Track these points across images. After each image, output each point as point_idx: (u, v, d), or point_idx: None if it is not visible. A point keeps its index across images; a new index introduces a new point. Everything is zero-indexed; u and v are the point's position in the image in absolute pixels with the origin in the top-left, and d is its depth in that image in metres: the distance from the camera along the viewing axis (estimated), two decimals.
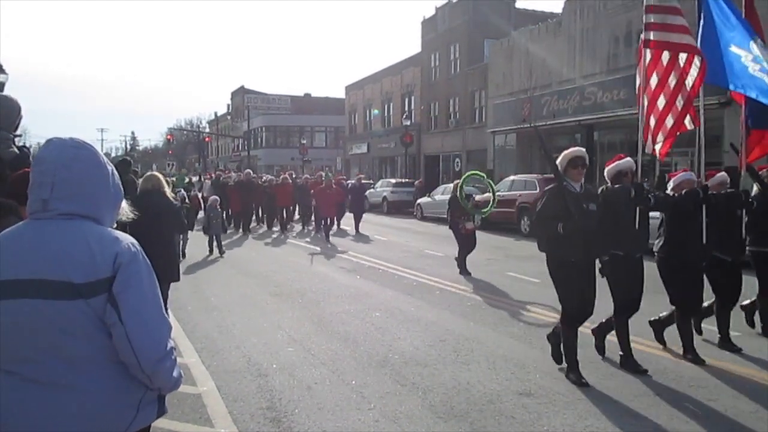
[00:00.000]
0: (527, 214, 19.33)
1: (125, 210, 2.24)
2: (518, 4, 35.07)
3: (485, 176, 13.77)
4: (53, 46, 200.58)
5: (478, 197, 12.46)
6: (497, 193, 12.90)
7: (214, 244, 14.54)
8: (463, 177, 12.30)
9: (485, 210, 12.31)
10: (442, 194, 25.57)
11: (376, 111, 46.72)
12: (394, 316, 8.35)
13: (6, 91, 19.95)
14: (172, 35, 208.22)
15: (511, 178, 21.76)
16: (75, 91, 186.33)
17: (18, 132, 3.96)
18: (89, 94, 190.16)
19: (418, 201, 27.08)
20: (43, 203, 1.98)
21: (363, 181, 24.95)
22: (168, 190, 6.61)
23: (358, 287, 10.60)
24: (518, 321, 8.06)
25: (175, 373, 2.08)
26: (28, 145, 4.23)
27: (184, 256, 13.28)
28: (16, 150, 3.81)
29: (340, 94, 55.18)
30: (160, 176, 6.76)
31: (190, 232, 13.36)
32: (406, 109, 40.15)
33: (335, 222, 19.40)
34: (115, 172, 2.15)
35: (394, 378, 5.80)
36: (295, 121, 63.98)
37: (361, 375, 5.90)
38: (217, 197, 15.35)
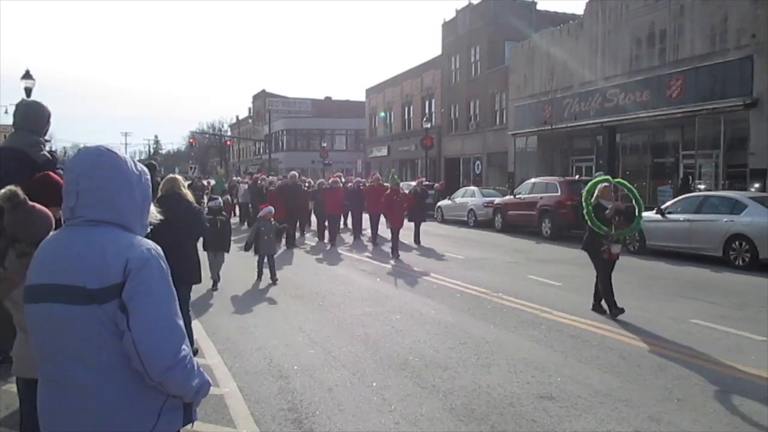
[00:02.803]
0: (548, 216, 19.20)
1: (153, 213, 2.25)
2: (539, 6, 34.97)
3: (615, 178, 9.45)
4: (79, 53, 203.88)
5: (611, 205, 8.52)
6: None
7: (264, 265, 11.25)
8: (589, 185, 8.85)
9: (629, 228, 8.88)
10: (462, 197, 25.53)
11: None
12: (414, 319, 8.35)
13: (33, 97, 20.35)
14: (195, 40, 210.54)
15: (532, 180, 21.63)
16: (100, 96, 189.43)
17: (46, 137, 4.06)
18: (114, 99, 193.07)
19: (439, 204, 27.04)
20: (71, 211, 2.03)
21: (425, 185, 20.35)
22: (187, 192, 6.61)
23: (378, 290, 10.62)
24: (539, 324, 8.02)
25: (194, 381, 2.04)
26: (53, 149, 4.31)
27: (216, 282, 10.60)
28: (47, 154, 3.90)
29: (361, 97, 55.50)
30: (179, 178, 6.76)
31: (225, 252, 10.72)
32: (427, 111, 40.15)
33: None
34: (144, 176, 2.15)
35: (414, 380, 5.81)
36: (316, 124, 64.30)
37: (381, 377, 5.92)
38: (271, 207, 11.77)
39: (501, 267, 13.23)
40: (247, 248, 11.27)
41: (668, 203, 15.54)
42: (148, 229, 2.18)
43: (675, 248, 14.42)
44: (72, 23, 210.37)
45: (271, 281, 10.99)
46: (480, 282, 11.19)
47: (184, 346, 2.01)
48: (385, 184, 18.89)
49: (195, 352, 6.58)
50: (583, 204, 8.50)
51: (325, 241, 17.94)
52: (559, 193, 19.15)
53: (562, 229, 18.95)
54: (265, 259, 11.15)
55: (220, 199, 11.43)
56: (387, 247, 15.80)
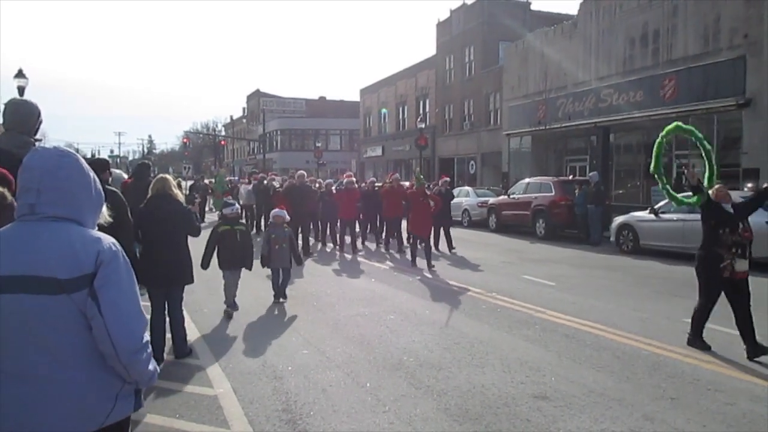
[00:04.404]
0: (542, 216, 19.24)
1: (104, 214, 2.37)
2: (533, 6, 35.07)
3: (694, 131, 7.89)
4: (72, 51, 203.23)
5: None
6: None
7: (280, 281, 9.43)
8: (664, 132, 7.42)
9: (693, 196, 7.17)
10: (456, 197, 25.50)
11: (384, 110, 46.69)
12: (408, 319, 8.35)
13: (25, 96, 20.24)
14: (189, 41, 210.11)
15: (526, 180, 21.66)
16: (93, 95, 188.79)
17: (38, 136, 4.02)
18: (107, 99, 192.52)
19: None
20: (30, 207, 2.13)
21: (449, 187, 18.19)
22: (178, 192, 6.58)
23: (372, 290, 10.61)
24: (533, 324, 8.03)
25: (150, 367, 2.20)
26: None
27: (231, 307, 8.64)
28: None
29: (355, 97, 55.46)
30: (169, 178, 6.71)
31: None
32: (421, 111, 40.17)
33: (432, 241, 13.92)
34: (97, 179, 2.31)
35: (408, 381, 5.81)
36: (310, 124, 64.24)
37: (375, 378, 5.91)
38: (282, 211, 9.57)
39: (495, 267, 13.24)
40: (264, 263, 9.32)
41: (662, 203, 15.58)
42: (96, 228, 2.29)
43: (668, 248, 14.47)
44: (65, 23, 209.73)
45: (277, 299, 9.46)
46: (474, 282, 11.20)
47: (147, 332, 2.21)
48: (402, 184, 17.35)
49: (189, 353, 6.57)
50: (654, 161, 7.17)
51: (335, 247, 16.37)
52: (553, 193, 19.19)
53: (556, 229, 19.01)
54: (280, 274, 9.41)
55: (237, 204, 9.25)
56: (409, 255, 14.00)
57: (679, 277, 11.89)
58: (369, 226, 17.96)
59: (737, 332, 7.42)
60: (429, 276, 12.00)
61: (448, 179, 18.43)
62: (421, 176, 14.20)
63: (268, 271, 9.62)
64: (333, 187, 17.80)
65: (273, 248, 9.20)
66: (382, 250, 16.37)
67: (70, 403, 2.04)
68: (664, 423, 4.79)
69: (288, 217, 9.60)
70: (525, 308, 8.97)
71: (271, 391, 5.56)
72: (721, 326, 7.80)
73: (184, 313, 6.78)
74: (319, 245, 17.17)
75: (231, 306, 8.64)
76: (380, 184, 17.82)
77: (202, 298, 9.54)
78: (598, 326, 7.84)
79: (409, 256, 13.97)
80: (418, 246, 13.43)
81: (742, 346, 6.61)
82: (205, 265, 8.20)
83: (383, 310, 8.94)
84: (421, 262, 13.18)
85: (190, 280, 6.60)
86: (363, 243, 17.20)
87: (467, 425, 4.77)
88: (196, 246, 7.12)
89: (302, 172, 17.24)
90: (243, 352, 6.81)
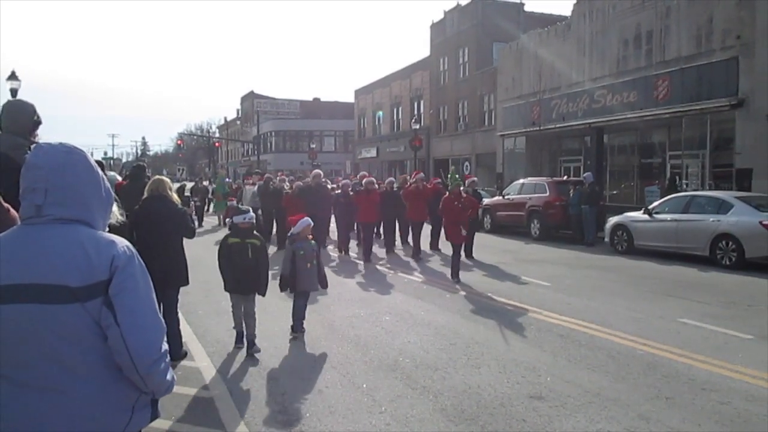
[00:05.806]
0: (537, 217, 19.27)
1: (115, 213, 2.24)
2: (527, 8, 35.08)
3: None
4: (66, 53, 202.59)
5: None
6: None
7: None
8: None
9: None
10: None
11: (380, 113, 46.72)
12: (404, 320, 8.35)
13: (19, 97, 19.99)
14: (183, 42, 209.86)
15: (521, 181, 21.68)
16: (87, 97, 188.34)
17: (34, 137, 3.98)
18: (101, 101, 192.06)
19: None
20: (37, 209, 1.97)
21: (477, 188, 16.71)
22: (173, 194, 6.56)
23: (367, 291, 10.60)
24: (529, 325, 8.04)
25: (168, 376, 2.07)
26: None
27: (246, 341, 6.87)
28: None
29: (349, 98, 55.55)
30: (166, 180, 6.68)
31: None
32: (415, 113, 40.20)
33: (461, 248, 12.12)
34: (105, 177, 2.15)
35: (404, 381, 5.81)
36: (305, 126, 64.21)
37: (371, 378, 5.91)
38: (308, 219, 7.54)
39: (490, 267, 13.25)
40: (284, 286, 7.49)
41: (656, 203, 15.65)
42: (106, 228, 2.15)
43: (662, 248, 14.52)
44: (58, 23, 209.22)
45: (292, 333, 7.53)
46: (469, 282, 11.20)
47: (164, 341, 2.07)
48: (426, 184, 16.09)
49: (184, 355, 6.55)
50: None
51: (352, 254, 15.21)
52: (547, 194, 19.21)
53: (551, 230, 19.03)
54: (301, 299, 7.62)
55: (252, 212, 7.26)
56: (435, 264, 13.57)
57: (673, 277, 11.94)
58: (385, 231, 16.23)
59: (732, 332, 7.49)
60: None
61: (475, 179, 16.47)
62: (457, 176, 12.44)
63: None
64: (349, 189, 15.97)
65: (303, 267, 7.31)
66: (402, 257, 15.05)
67: (85, 416, 1.91)
68: (659, 422, 4.80)
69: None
70: (520, 308, 8.98)
71: (267, 392, 5.56)
72: (718, 326, 7.84)
73: (179, 315, 6.76)
74: (337, 252, 15.68)
75: (242, 339, 6.94)
76: (398, 185, 16.66)
77: (197, 299, 9.51)
78: (593, 326, 7.86)
79: (431, 265, 13.52)
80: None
81: (732, 346, 6.65)
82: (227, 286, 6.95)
83: (378, 310, 8.94)
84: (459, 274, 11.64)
85: (185, 282, 6.58)
86: (388, 251, 15.53)
87: (463, 426, 4.77)
88: (192, 247, 7.09)
89: (318, 171, 16.05)
90: (238, 353, 6.79)
